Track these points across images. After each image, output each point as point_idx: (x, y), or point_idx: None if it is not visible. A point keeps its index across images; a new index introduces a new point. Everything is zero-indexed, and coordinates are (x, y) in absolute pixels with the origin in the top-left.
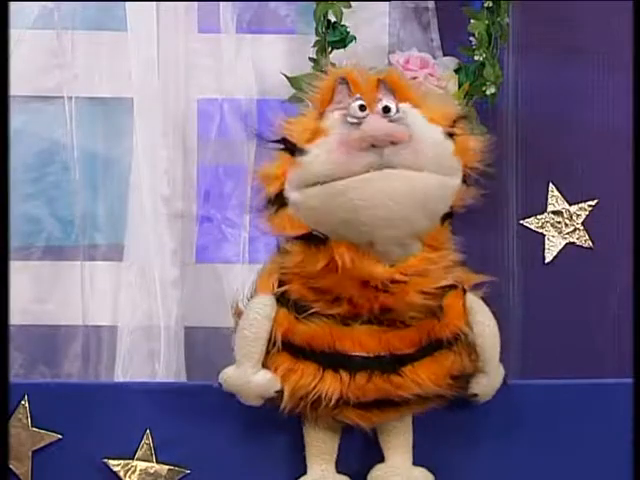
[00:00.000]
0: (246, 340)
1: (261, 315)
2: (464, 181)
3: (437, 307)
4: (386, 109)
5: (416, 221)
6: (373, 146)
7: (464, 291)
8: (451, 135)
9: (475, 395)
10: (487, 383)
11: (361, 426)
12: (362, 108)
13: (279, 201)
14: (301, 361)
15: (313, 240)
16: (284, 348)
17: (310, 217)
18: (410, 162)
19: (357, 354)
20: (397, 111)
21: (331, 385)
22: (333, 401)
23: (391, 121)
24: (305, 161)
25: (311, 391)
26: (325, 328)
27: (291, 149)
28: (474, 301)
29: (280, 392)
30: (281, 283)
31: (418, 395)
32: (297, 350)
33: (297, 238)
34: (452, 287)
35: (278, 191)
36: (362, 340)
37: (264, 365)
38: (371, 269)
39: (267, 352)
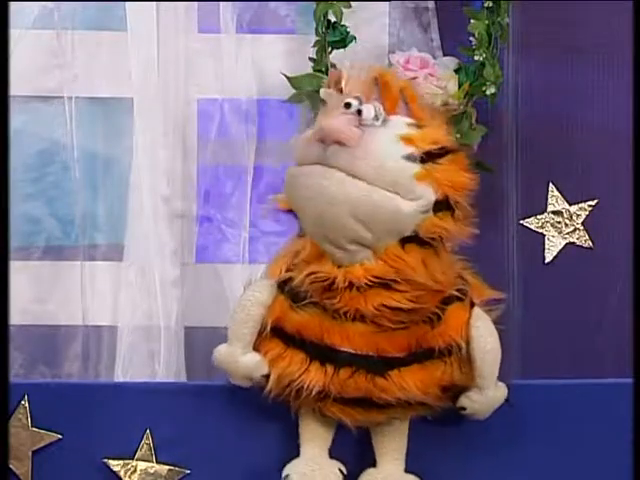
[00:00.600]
0: (238, 321)
1: (256, 298)
2: (437, 209)
3: (433, 315)
4: (347, 105)
5: (347, 227)
6: (320, 140)
7: (472, 304)
8: (423, 160)
9: (463, 409)
10: (479, 399)
11: (344, 422)
12: (347, 106)
13: None
14: (291, 349)
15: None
16: (276, 334)
17: (286, 194)
18: (346, 165)
19: (344, 349)
20: (361, 114)
21: (315, 376)
22: (314, 392)
23: (350, 121)
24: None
25: (296, 379)
26: (316, 319)
27: None
28: (480, 316)
29: (267, 376)
30: (288, 270)
31: (402, 400)
32: (288, 337)
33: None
34: (457, 299)
35: None
36: (351, 337)
37: (256, 348)
38: (320, 266)
39: (259, 336)
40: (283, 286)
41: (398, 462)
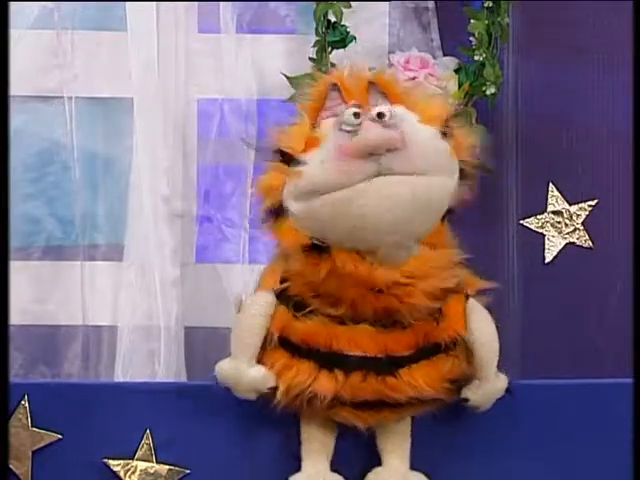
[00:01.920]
0: (242, 334)
1: (258, 311)
2: (461, 177)
3: (437, 310)
4: (380, 115)
5: (420, 224)
6: (370, 154)
7: (466, 296)
8: (446, 134)
9: (466, 400)
10: (480, 390)
11: (357, 426)
12: (356, 116)
13: (278, 212)
14: (297, 359)
15: (314, 249)
16: (281, 345)
17: (311, 227)
18: (408, 167)
19: (353, 354)
20: (391, 116)
21: (326, 384)
22: (327, 400)
23: (386, 126)
24: (302, 171)
25: (306, 389)
26: (322, 327)
27: (287, 160)
28: (475, 306)
29: (274, 388)
30: (284, 280)
31: (413, 398)
32: (293, 347)
33: (299, 248)
34: (454, 291)
35: (277, 202)
36: (358, 340)
37: (260, 361)
38: (373, 273)
39: (264, 348)
40: (283, 296)
41: (403, 459)
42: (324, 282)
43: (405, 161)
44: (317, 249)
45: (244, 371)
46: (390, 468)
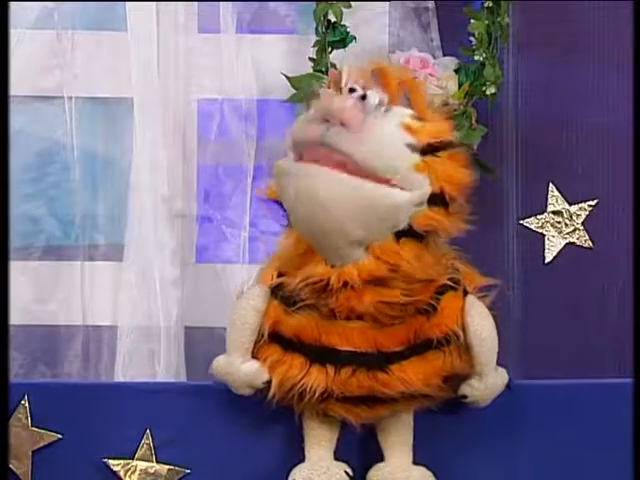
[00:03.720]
0: (235, 330)
1: (251, 306)
2: (433, 202)
3: (428, 306)
4: (351, 90)
5: (343, 229)
6: (324, 119)
7: (465, 292)
8: (424, 152)
9: (464, 397)
10: (480, 386)
11: (349, 420)
12: (351, 90)
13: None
14: (289, 353)
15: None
16: (274, 340)
17: (276, 185)
18: (346, 148)
19: (344, 349)
20: (380, 104)
21: (317, 378)
22: (317, 394)
23: (355, 105)
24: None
25: (297, 383)
26: (312, 321)
27: None
28: (474, 303)
29: (268, 383)
30: (280, 275)
31: (405, 393)
32: (286, 342)
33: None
34: (451, 288)
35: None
36: (349, 335)
37: (254, 355)
38: (312, 268)
39: (257, 342)
40: (276, 291)
41: (406, 454)
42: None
43: (347, 141)
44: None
45: (238, 366)
46: (393, 463)
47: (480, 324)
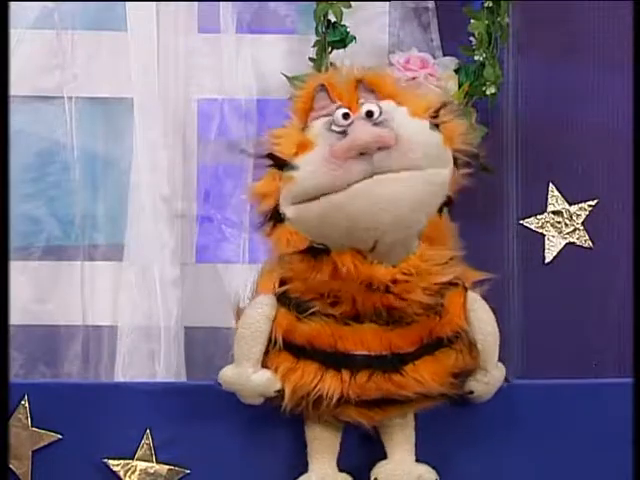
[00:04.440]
0: (245, 340)
1: (260, 315)
2: (455, 165)
3: (438, 305)
4: (369, 114)
5: (417, 220)
6: (362, 154)
7: (465, 289)
8: (437, 125)
9: (471, 392)
10: (486, 380)
11: (362, 424)
12: (346, 116)
13: (275, 217)
14: (302, 360)
15: (314, 252)
16: (285, 347)
17: (309, 230)
18: (402, 163)
19: (358, 353)
20: (380, 113)
21: (332, 384)
22: (334, 400)
23: (375, 124)
24: (296, 176)
25: (312, 390)
26: (326, 327)
27: (280, 165)
28: (474, 298)
29: (280, 391)
30: (282, 282)
31: (420, 393)
32: (298, 349)
33: (298, 252)
34: (453, 285)
35: (273, 207)
36: (363, 339)
37: (264, 365)
38: (373, 272)
39: (267, 352)
40: (284, 299)
41: (408, 452)
42: (325, 283)
43: (399, 158)
44: (317, 251)
45: (248, 377)
46: (395, 460)
47: (483, 319)
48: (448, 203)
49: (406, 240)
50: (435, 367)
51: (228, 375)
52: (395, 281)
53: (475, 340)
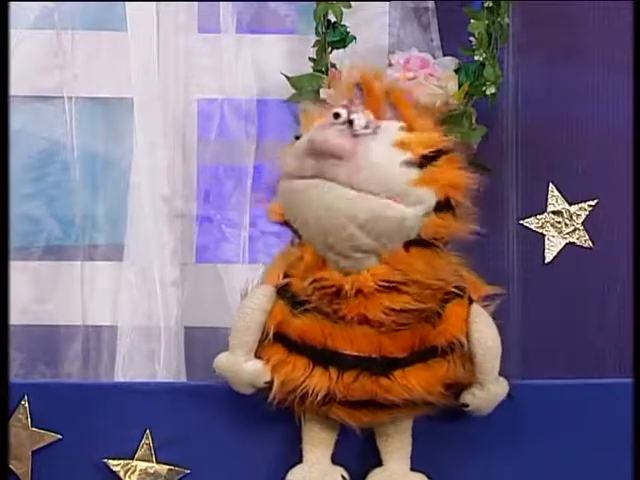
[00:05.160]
0: (240, 328)
1: (257, 305)
2: (438, 210)
3: (434, 314)
4: (350, 122)
5: (352, 236)
6: (314, 154)
7: (470, 300)
8: (420, 165)
9: (465, 405)
10: (482, 395)
11: (350, 424)
12: (336, 116)
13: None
14: (293, 354)
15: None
16: (278, 340)
17: (284, 206)
18: (345, 179)
19: (348, 353)
20: (366, 126)
21: (319, 381)
22: (320, 397)
23: (355, 135)
24: (284, 153)
25: (300, 385)
26: (317, 324)
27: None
28: (478, 311)
29: (270, 383)
30: (286, 276)
31: (407, 400)
32: (290, 343)
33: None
34: (456, 295)
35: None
36: (354, 339)
37: (257, 355)
38: (324, 273)
39: (262, 342)
40: (282, 292)
41: (403, 460)
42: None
43: (343, 171)
44: (293, 231)
45: (241, 365)
46: (390, 468)
47: (485, 333)
48: (419, 242)
49: (349, 253)
50: (426, 375)
51: (222, 362)
52: (340, 289)
53: (473, 353)
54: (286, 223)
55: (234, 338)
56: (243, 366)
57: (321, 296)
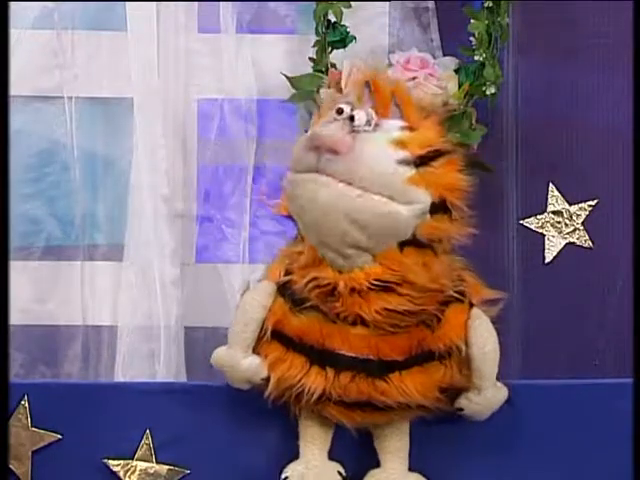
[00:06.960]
0: (239, 324)
1: (257, 301)
2: (434, 212)
3: (433, 317)
4: (351, 117)
5: (345, 233)
6: (316, 148)
7: (471, 305)
8: (417, 164)
9: (461, 410)
10: (478, 400)
11: (344, 424)
12: (339, 111)
13: None
14: (291, 352)
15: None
16: (276, 337)
17: (287, 199)
18: (341, 173)
19: (345, 353)
20: (367, 123)
21: (315, 380)
22: (315, 396)
23: (354, 130)
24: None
25: (296, 383)
26: (316, 324)
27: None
28: (478, 316)
29: (267, 380)
30: (288, 273)
31: (402, 403)
32: (288, 341)
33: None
34: (456, 300)
35: None
36: (352, 340)
37: (255, 351)
38: (320, 271)
39: (261, 338)
40: (283, 289)
41: (401, 461)
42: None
43: (340, 167)
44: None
45: (239, 360)
46: (388, 469)
47: (483, 338)
48: (413, 243)
49: (341, 249)
50: (422, 379)
51: (220, 356)
52: (335, 287)
53: (471, 358)
54: (290, 216)
55: (233, 333)
56: (241, 362)
57: (317, 294)
